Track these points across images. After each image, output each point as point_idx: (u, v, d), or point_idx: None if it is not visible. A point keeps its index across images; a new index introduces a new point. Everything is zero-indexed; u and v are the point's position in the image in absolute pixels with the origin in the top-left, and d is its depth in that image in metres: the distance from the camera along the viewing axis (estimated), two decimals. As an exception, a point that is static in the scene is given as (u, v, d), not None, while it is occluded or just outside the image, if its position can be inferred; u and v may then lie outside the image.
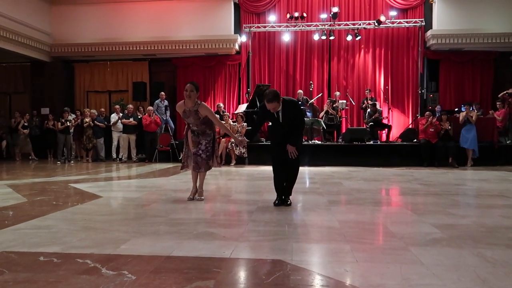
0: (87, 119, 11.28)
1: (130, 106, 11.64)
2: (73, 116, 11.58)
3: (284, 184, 4.46)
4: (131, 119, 11.21)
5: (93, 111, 11.74)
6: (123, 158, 11.29)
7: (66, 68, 13.58)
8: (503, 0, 11.51)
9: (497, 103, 10.87)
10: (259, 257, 2.60)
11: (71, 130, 11.32)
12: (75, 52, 12.91)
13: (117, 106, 11.79)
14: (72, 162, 11.17)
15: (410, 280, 2.18)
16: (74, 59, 13.49)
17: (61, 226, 3.44)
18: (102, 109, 12.21)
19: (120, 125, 11.38)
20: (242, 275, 2.35)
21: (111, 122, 11.39)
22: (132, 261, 2.48)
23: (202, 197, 4.82)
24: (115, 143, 11.48)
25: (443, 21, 11.80)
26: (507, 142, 10.65)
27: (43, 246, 2.81)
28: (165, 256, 2.58)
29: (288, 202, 4.46)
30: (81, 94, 13.74)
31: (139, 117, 11.42)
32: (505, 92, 10.82)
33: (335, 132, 11.66)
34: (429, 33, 11.97)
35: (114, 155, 11.49)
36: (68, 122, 11.19)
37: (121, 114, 11.44)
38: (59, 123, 11.25)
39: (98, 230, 3.27)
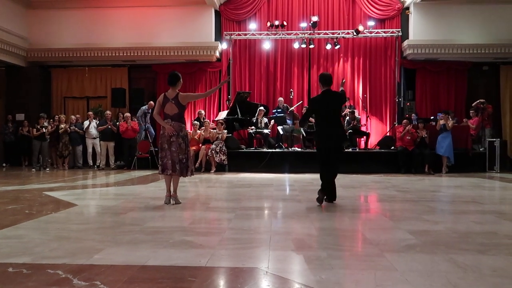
0: (62, 125, 11.06)
1: (108, 112, 11.48)
2: (49, 122, 11.32)
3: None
4: (109, 126, 11.05)
5: (73, 117, 11.55)
6: (101, 165, 11.11)
7: (43, 73, 13.28)
8: (477, 12, 11.92)
9: (471, 111, 11.19)
10: (235, 265, 2.59)
11: (47, 137, 11.06)
12: (52, 57, 12.66)
13: (90, 113, 11.67)
14: (48, 169, 10.90)
15: (384, 286, 2.21)
16: (51, 64, 13.23)
17: (33, 235, 3.35)
18: (78, 115, 11.98)
19: (93, 132, 11.25)
20: (217, 284, 2.33)
21: (84, 128, 11.24)
22: (105, 271, 2.43)
23: (180, 201, 5.00)
24: (89, 150, 11.33)
25: (419, 32, 12.12)
26: (480, 149, 10.96)
27: (13, 256, 2.72)
28: (140, 265, 2.54)
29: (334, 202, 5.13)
30: (58, 100, 13.46)
31: (118, 123, 11.28)
32: (478, 101, 11.16)
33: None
34: (405, 43, 12.27)
35: (90, 162, 11.30)
36: (43, 129, 10.93)
37: (94, 121, 11.29)
38: (34, 130, 10.98)
39: (71, 240, 3.20)
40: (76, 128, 11.25)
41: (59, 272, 2.40)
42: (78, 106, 13.44)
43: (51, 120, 11.44)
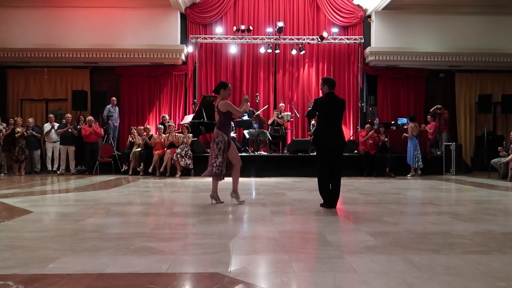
0: (19, 129, 10.55)
1: (69, 115, 11.08)
2: (4, 125, 10.77)
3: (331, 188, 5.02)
4: (69, 129, 10.66)
5: (30, 120, 11.04)
6: (60, 170, 10.68)
7: (-3, 74, 12.67)
8: (434, 22, 12.46)
9: (428, 117, 11.67)
10: (197, 271, 2.56)
11: (1, 141, 10.51)
12: (8, 58, 12.06)
13: (51, 115, 11.21)
14: (3, 175, 10.37)
15: (342, 287, 2.26)
16: (7, 65, 12.60)
17: (-17, 245, 3.17)
18: (31, 119, 11.43)
19: (53, 136, 10.82)
20: (178, 290, 2.30)
21: (44, 132, 10.79)
22: (59, 280, 2.33)
23: (242, 200, 5.35)
24: (49, 154, 10.86)
25: (380, 39, 12.53)
26: (438, 153, 11.46)
27: (-41, 268, 2.57)
28: (97, 273, 2.46)
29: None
30: (14, 102, 12.84)
31: (79, 127, 10.91)
32: (435, 107, 11.66)
33: (280, 143, 11.88)
34: (367, 50, 12.64)
35: (50, 167, 10.85)
36: (-2, 132, 10.39)
37: (55, 124, 10.87)
38: (-13, 133, 10.41)
39: (25, 249, 3.05)
40: (34, 132, 10.77)
41: (9, 283, 2.28)
42: (36, 109, 12.88)
43: (12, 121, 10.85)
